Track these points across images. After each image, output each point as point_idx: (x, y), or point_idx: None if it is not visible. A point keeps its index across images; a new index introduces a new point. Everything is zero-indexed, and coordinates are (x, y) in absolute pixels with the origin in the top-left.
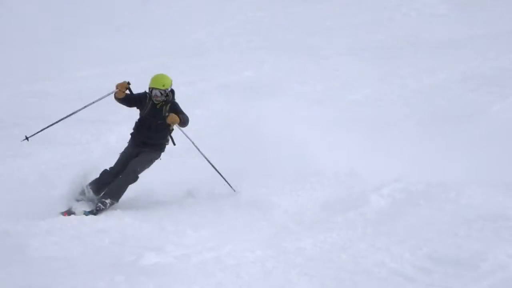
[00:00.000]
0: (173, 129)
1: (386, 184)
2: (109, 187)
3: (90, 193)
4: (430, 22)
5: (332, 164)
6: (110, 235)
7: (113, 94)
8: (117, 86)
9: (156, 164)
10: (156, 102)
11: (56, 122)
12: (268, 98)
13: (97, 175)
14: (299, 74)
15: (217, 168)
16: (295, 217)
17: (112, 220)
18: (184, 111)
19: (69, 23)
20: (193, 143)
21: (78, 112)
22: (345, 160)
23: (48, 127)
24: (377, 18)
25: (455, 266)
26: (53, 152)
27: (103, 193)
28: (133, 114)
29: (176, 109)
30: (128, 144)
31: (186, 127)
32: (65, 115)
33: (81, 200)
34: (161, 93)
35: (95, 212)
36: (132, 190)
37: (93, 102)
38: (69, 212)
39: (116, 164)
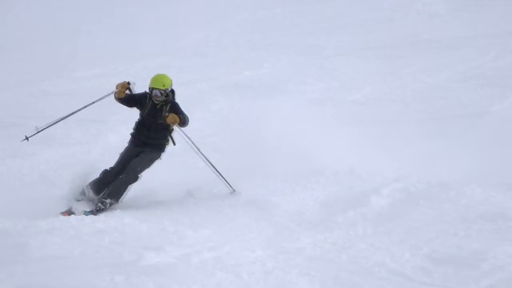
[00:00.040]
0: (173, 129)
1: (386, 184)
2: (109, 187)
3: (90, 193)
4: (430, 22)
5: (332, 164)
6: (110, 235)
7: (114, 94)
8: (117, 86)
9: (156, 164)
10: (156, 102)
11: (56, 122)
12: (268, 98)
13: (97, 175)
14: (299, 74)
15: (216, 169)
16: (295, 217)
17: (112, 220)
18: (184, 111)
19: (69, 23)
20: (193, 143)
21: (78, 112)
22: (345, 160)
23: (48, 126)
24: (377, 18)
25: (455, 266)
26: (53, 152)
27: (103, 193)
28: (133, 114)
29: (176, 109)
30: (129, 144)
31: (186, 127)
32: (65, 115)
33: (81, 200)
34: (161, 93)
35: (95, 212)
36: (132, 190)
37: (93, 102)
38: (69, 212)
39: (117, 164)
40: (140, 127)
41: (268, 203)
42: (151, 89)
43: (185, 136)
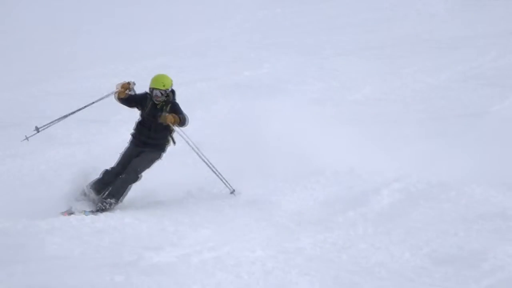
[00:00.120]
0: (173, 130)
1: (386, 184)
2: (110, 187)
3: (91, 193)
4: (430, 22)
5: (332, 164)
6: (110, 235)
7: (114, 94)
8: (118, 86)
9: (157, 164)
10: (157, 102)
11: (56, 122)
12: (268, 98)
13: (98, 175)
14: (299, 74)
15: (216, 169)
16: (295, 217)
17: (112, 220)
18: (184, 111)
19: (69, 23)
20: (193, 143)
21: (78, 112)
22: (345, 160)
23: (48, 126)
24: (377, 18)
25: (455, 266)
26: (53, 152)
27: (104, 193)
28: (134, 114)
29: (176, 109)
30: (129, 144)
31: (186, 127)
32: (65, 115)
33: (81, 200)
34: (161, 93)
35: (96, 212)
36: (132, 190)
37: (93, 102)
38: (69, 212)
39: (117, 164)
40: (140, 127)
41: (268, 203)
42: (152, 89)
43: (185, 136)
